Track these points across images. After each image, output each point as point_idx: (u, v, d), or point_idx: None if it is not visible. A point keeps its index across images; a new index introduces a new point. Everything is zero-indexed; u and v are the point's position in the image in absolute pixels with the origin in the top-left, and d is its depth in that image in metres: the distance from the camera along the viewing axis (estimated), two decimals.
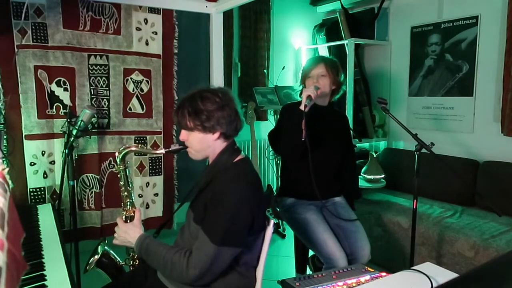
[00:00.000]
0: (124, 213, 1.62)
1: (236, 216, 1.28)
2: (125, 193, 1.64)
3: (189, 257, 1.29)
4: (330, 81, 2.06)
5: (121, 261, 1.67)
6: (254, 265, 1.48)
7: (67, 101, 2.29)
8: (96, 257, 1.62)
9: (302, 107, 1.91)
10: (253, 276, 1.48)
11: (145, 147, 1.66)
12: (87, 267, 1.62)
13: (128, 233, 1.47)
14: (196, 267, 1.26)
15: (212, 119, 1.36)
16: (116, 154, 1.60)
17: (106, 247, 1.65)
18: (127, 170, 1.64)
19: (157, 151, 1.62)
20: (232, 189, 1.32)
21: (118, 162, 1.61)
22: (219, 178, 1.38)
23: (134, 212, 1.59)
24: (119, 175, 1.63)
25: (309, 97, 1.91)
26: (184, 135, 1.43)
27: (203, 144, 1.41)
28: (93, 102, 2.36)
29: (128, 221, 1.57)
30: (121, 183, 1.63)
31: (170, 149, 1.53)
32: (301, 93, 2.07)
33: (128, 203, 1.63)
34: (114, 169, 1.65)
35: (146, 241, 1.41)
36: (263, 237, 1.48)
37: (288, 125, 1.99)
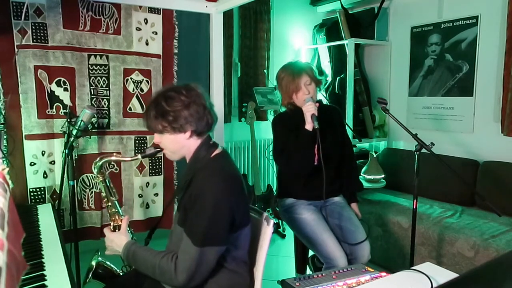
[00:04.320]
0: (112, 223, 1.61)
1: (215, 214, 1.27)
2: (109, 204, 1.62)
3: (176, 261, 1.28)
4: (315, 85, 2.07)
5: (117, 269, 1.66)
6: (245, 260, 1.46)
7: (67, 101, 2.29)
8: (91, 270, 1.61)
9: (309, 127, 1.92)
10: (246, 272, 1.46)
11: (120, 155, 1.63)
12: (87, 280, 1.61)
13: (115, 241, 1.46)
14: (183, 271, 1.26)
15: (179, 118, 1.33)
16: (92, 166, 1.58)
17: (100, 258, 1.64)
18: (107, 180, 1.61)
19: (134, 158, 1.61)
20: (208, 187, 1.30)
21: (96, 174, 1.58)
22: (197, 176, 1.36)
23: (121, 221, 1.57)
24: (99, 187, 1.61)
25: (313, 115, 1.91)
26: (157, 138, 1.42)
27: (176, 144, 1.39)
28: (93, 102, 2.36)
29: (117, 230, 1.55)
30: (103, 194, 1.61)
31: (145, 153, 1.53)
32: (290, 106, 2.10)
33: (114, 213, 1.62)
34: (96, 179, 1.61)
35: (132, 248, 1.40)
36: (249, 232, 1.46)
37: (297, 146, 1.99)
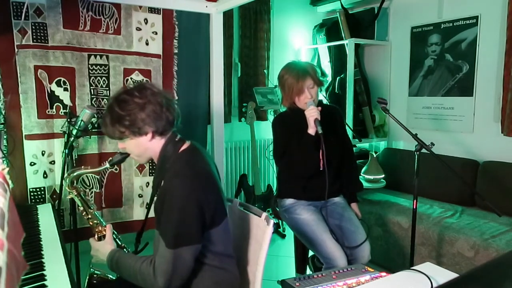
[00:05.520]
0: (96, 234, 1.60)
1: (183, 214, 1.24)
2: (89, 216, 1.61)
3: (154, 265, 1.27)
4: (317, 87, 2.06)
5: (113, 277, 1.65)
6: (229, 254, 1.43)
7: (67, 101, 2.30)
8: (86, 282, 1.60)
9: (312, 132, 1.90)
10: (233, 266, 1.44)
11: (89, 167, 1.62)
12: None
13: (100, 250, 1.46)
14: (161, 274, 1.24)
15: (136, 121, 1.29)
16: (63, 182, 1.57)
17: (91, 269, 1.63)
18: (81, 194, 1.61)
19: (102, 167, 1.58)
20: (174, 187, 1.26)
21: (69, 190, 1.56)
22: (165, 177, 1.33)
23: (105, 230, 1.57)
24: (75, 201, 1.60)
25: (316, 120, 1.90)
26: (120, 143, 1.39)
27: (140, 148, 1.36)
28: (93, 102, 2.37)
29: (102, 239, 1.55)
30: (81, 208, 1.60)
31: (113, 161, 1.51)
32: (290, 106, 2.09)
33: (96, 224, 1.61)
34: (71, 194, 1.60)
35: (116, 256, 1.39)
36: (227, 227, 1.43)
37: (299, 150, 1.98)
